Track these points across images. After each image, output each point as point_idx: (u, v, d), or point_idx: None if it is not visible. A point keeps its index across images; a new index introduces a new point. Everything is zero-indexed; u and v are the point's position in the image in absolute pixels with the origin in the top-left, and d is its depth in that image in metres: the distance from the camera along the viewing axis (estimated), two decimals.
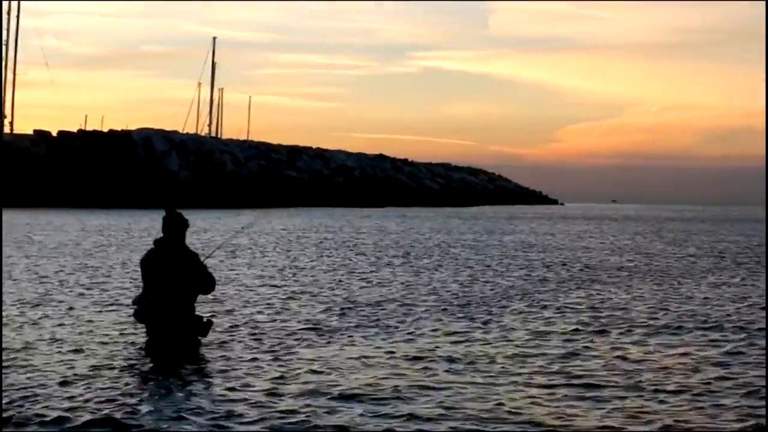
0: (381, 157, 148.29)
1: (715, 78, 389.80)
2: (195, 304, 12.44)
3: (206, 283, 12.47)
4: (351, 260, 28.51)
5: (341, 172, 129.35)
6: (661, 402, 10.19)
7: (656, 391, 10.68)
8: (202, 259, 12.53)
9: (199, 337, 12.49)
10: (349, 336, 13.65)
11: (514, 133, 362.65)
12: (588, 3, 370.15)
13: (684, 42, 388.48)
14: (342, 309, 16.59)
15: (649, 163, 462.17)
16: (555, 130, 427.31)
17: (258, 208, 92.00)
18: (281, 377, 10.65)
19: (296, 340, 13.22)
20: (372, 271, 24.59)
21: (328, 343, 13.05)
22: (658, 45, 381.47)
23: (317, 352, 12.26)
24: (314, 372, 10.96)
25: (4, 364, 10.78)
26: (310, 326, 14.47)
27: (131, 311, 13.24)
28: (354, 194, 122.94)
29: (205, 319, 12.65)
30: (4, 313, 14.50)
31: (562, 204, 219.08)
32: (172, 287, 12.09)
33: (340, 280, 21.89)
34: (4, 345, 11.95)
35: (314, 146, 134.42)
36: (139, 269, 12.60)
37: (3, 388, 9.60)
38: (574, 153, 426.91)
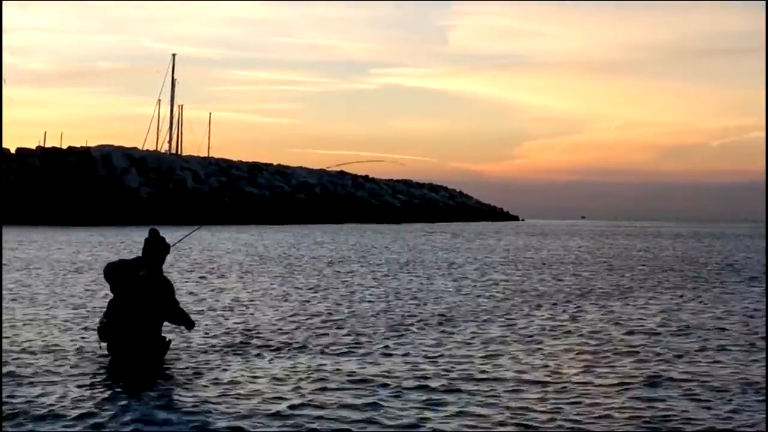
0: (342, 174, 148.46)
1: (671, 95, 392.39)
2: (161, 325, 12.45)
3: (177, 316, 12.57)
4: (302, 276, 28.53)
5: (302, 189, 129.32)
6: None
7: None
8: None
9: (159, 357, 12.47)
10: (302, 351, 13.69)
11: (475, 149, 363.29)
12: (548, 20, 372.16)
13: (641, 60, 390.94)
14: (301, 323, 16.62)
15: (609, 179, 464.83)
16: (515, 146, 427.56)
17: (219, 224, 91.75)
18: (240, 392, 10.68)
19: (270, 351, 13.26)
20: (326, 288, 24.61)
21: (288, 356, 13.09)
22: (615, 62, 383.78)
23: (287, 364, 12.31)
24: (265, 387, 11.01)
25: None
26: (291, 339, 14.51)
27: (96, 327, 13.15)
28: (315, 211, 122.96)
29: (166, 339, 12.65)
30: None
31: (522, 220, 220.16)
32: (142, 311, 12.06)
33: (306, 292, 21.93)
34: None
35: (275, 163, 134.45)
36: (108, 280, 12.48)
37: None
38: (535, 169, 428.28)
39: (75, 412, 9.73)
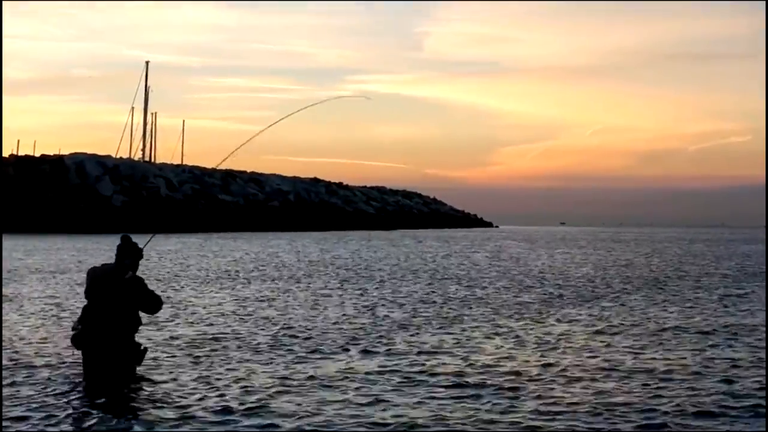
0: (315, 181, 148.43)
1: (645, 101, 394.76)
2: (135, 332, 12.62)
3: (152, 303, 12.64)
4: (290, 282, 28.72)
5: (276, 196, 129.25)
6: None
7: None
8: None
9: (135, 366, 12.66)
10: (293, 357, 13.93)
11: (450, 155, 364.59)
12: (523, 27, 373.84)
13: (616, 65, 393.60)
14: (278, 330, 16.87)
15: (586, 184, 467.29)
16: (490, 152, 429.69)
17: (193, 233, 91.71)
18: (221, 401, 10.94)
19: (245, 361, 13.51)
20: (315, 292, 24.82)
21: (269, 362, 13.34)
22: (590, 68, 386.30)
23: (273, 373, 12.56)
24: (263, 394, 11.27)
25: None
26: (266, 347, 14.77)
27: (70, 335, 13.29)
28: (289, 218, 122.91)
29: (141, 347, 12.83)
30: None
31: (496, 227, 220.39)
32: (115, 315, 12.22)
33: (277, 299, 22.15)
34: None
35: (249, 170, 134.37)
36: (94, 285, 12.57)
37: None
38: (510, 175, 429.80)
39: (47, 424, 9.91)
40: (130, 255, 12.49)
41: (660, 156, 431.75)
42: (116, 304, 12.25)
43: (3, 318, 18.59)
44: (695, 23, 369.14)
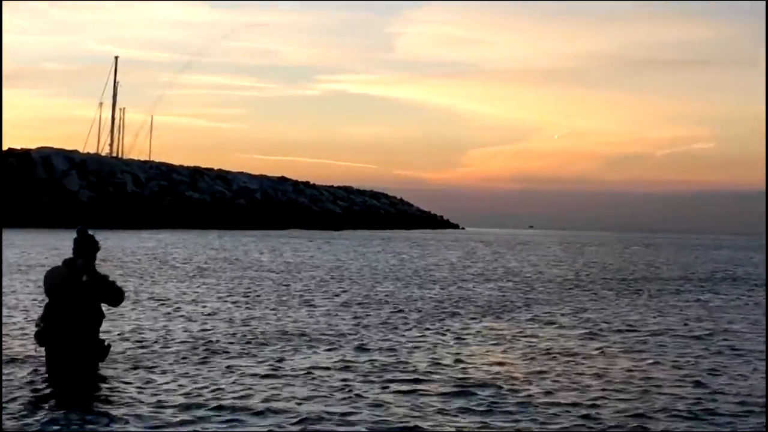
0: (283, 180, 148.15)
1: (615, 105, 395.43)
2: (99, 328, 12.44)
3: (113, 297, 12.45)
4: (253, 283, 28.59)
5: (243, 194, 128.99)
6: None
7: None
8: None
9: (99, 362, 12.47)
10: (253, 355, 13.80)
11: (419, 157, 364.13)
12: (494, 29, 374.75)
13: (586, 69, 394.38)
14: (238, 329, 16.75)
15: (554, 187, 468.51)
16: (460, 154, 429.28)
17: (159, 229, 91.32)
18: (188, 397, 10.78)
19: (206, 359, 13.35)
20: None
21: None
22: (561, 71, 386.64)
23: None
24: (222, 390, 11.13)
25: None
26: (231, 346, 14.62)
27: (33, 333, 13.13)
28: (255, 217, 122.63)
29: (106, 343, 12.64)
30: None
31: (463, 228, 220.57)
32: (78, 312, 12.04)
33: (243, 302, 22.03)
34: None
35: (216, 168, 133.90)
36: (43, 285, 12.43)
37: None
38: (480, 177, 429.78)
39: (9, 417, 9.84)
40: (86, 249, 12.22)
41: (628, 160, 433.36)
42: (77, 304, 12.05)
43: None
44: (664, 30, 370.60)
